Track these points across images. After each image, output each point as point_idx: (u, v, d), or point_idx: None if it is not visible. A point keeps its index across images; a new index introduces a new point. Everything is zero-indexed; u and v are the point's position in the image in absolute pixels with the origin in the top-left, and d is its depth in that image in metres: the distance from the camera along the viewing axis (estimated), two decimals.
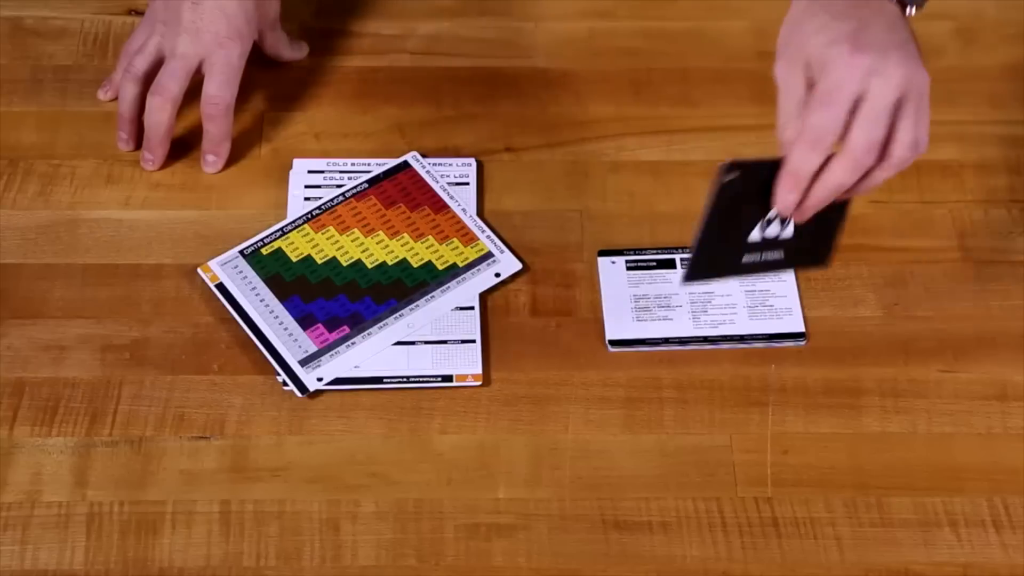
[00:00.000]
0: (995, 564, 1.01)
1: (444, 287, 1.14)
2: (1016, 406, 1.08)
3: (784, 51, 1.00)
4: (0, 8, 1.32)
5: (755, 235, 1.04)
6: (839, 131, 0.97)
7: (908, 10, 1.02)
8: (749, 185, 1.01)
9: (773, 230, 1.04)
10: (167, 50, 1.20)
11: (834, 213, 1.04)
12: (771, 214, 1.02)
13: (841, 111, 0.97)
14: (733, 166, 1.00)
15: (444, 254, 1.16)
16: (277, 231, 1.17)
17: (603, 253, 1.16)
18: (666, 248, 1.16)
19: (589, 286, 1.14)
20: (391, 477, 1.05)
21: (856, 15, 0.99)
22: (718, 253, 1.04)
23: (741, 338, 1.11)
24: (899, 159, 0.98)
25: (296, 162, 1.22)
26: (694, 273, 1.05)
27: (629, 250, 1.16)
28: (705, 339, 1.11)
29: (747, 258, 1.05)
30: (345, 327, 1.12)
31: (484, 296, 1.14)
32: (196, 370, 1.10)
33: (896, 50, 0.98)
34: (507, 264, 1.16)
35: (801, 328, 1.12)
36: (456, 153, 1.23)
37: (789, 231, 1.04)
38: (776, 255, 1.05)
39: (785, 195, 0.99)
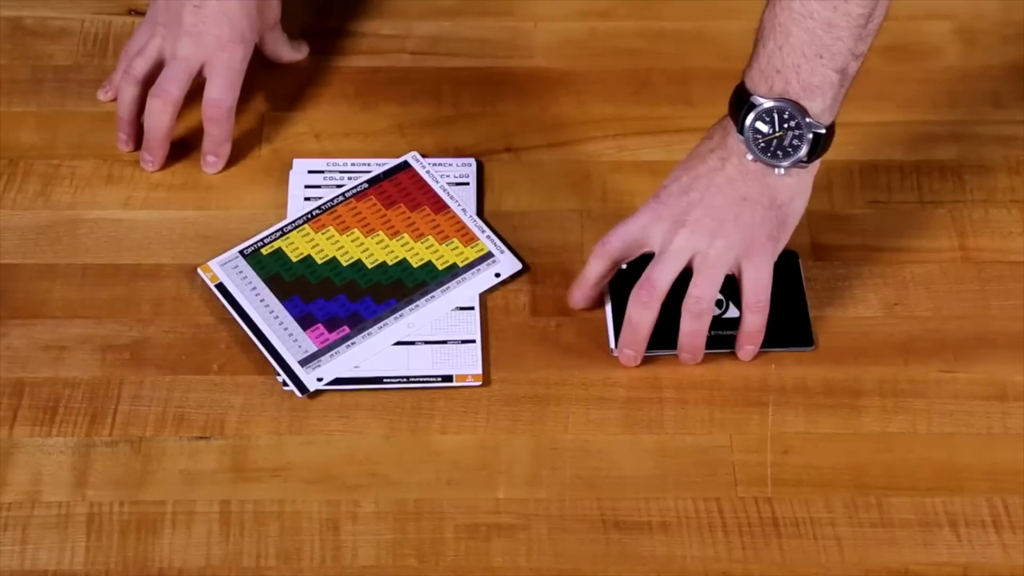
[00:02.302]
0: (995, 564, 1.01)
1: (444, 287, 1.14)
2: (1016, 406, 1.08)
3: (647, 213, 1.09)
4: (0, 8, 1.32)
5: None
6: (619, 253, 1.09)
7: (776, 170, 1.05)
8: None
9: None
10: (168, 52, 1.20)
11: (788, 296, 1.12)
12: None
13: (627, 240, 1.09)
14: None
15: (444, 254, 1.16)
16: (277, 231, 1.17)
17: None
18: None
19: None
20: (391, 477, 1.05)
21: (702, 186, 1.06)
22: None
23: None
24: (695, 309, 1.07)
25: (296, 162, 1.22)
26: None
27: None
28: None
29: None
30: (345, 327, 1.12)
31: (484, 296, 1.14)
32: (196, 370, 1.10)
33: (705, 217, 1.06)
34: (507, 264, 1.16)
35: (811, 333, 1.12)
36: (456, 153, 1.23)
37: (733, 312, 1.10)
38: (731, 333, 1.10)
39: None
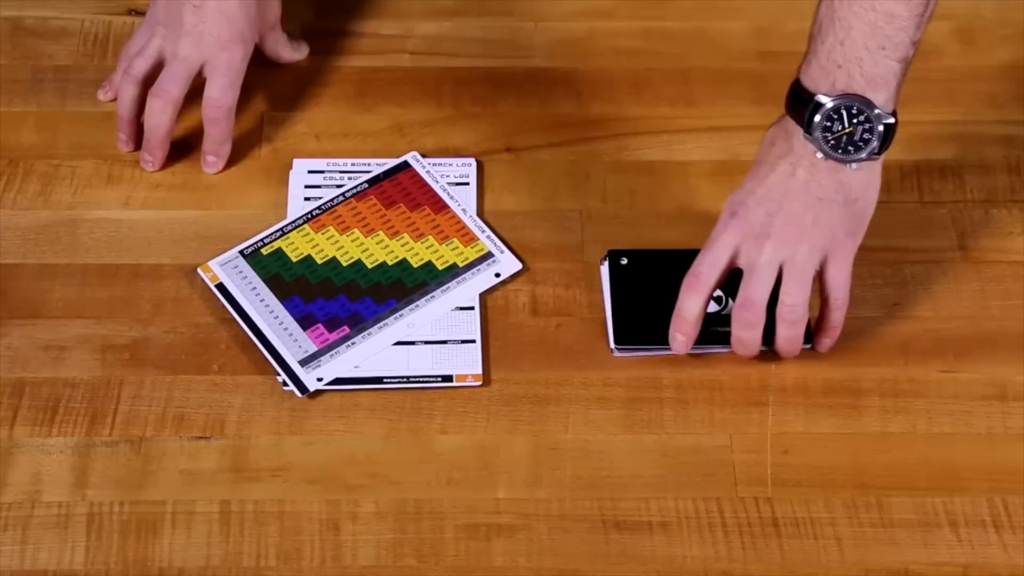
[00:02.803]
0: (995, 564, 1.01)
1: (444, 287, 1.14)
2: (1016, 406, 1.08)
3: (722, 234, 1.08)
4: (0, 8, 1.32)
5: None
6: (715, 280, 1.07)
7: (849, 166, 1.05)
8: (643, 269, 1.12)
9: (710, 307, 1.09)
10: (168, 53, 1.20)
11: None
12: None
13: (718, 265, 1.07)
14: (619, 253, 1.13)
15: (444, 254, 1.16)
16: (277, 231, 1.17)
17: (611, 254, 1.15)
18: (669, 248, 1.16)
19: (589, 286, 1.14)
20: (391, 477, 1.05)
21: (767, 183, 1.06)
22: (643, 324, 1.11)
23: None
24: (789, 315, 1.07)
25: (296, 162, 1.22)
26: (623, 339, 1.11)
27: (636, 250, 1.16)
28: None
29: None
30: (345, 327, 1.12)
31: (484, 296, 1.14)
32: (196, 370, 1.10)
33: (776, 221, 1.05)
34: (507, 264, 1.16)
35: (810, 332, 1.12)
36: (456, 153, 1.23)
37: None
38: (730, 330, 1.09)
39: (674, 335, 1.09)
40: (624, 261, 1.13)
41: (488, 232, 1.17)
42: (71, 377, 1.09)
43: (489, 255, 1.16)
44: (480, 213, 1.19)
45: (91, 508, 1.03)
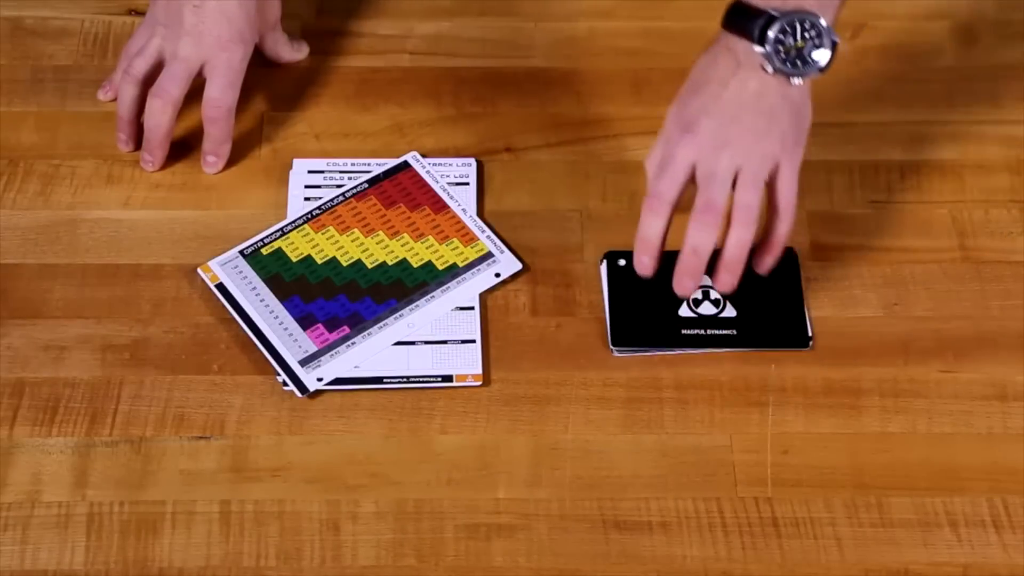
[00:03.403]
0: (995, 564, 1.01)
1: (444, 287, 1.14)
2: (1016, 406, 1.08)
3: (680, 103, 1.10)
4: (0, 8, 1.32)
5: (686, 311, 1.12)
6: (675, 196, 1.08)
7: (793, 80, 1.07)
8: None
9: (707, 309, 1.11)
10: (168, 52, 1.20)
11: (785, 295, 1.13)
12: (697, 294, 1.12)
13: (677, 180, 1.08)
14: (618, 255, 1.14)
15: (444, 254, 1.16)
16: (277, 231, 1.17)
17: (609, 255, 1.15)
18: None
19: (589, 286, 1.14)
20: (391, 477, 1.05)
21: (717, 95, 1.07)
22: (642, 324, 1.11)
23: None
24: (744, 218, 1.07)
25: (296, 162, 1.22)
26: (621, 340, 1.11)
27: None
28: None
29: (687, 331, 1.11)
30: (345, 327, 1.12)
31: (484, 296, 1.14)
32: (196, 370, 1.10)
33: (733, 127, 1.07)
34: (507, 264, 1.16)
35: (808, 333, 1.12)
36: (456, 153, 1.23)
37: (730, 311, 1.11)
38: (728, 333, 1.11)
39: (638, 257, 1.10)
40: (622, 262, 1.13)
41: (488, 232, 1.17)
42: (71, 377, 1.09)
43: (489, 255, 1.16)
44: (480, 213, 1.19)
45: (91, 508, 1.03)
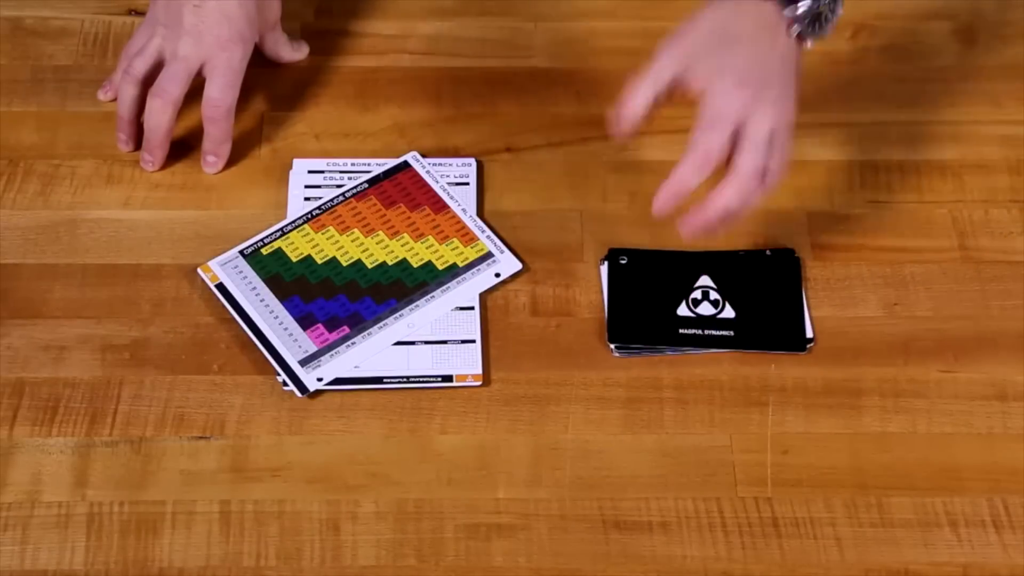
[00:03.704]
0: (995, 564, 1.01)
1: (444, 287, 1.14)
2: (1016, 406, 1.08)
3: (673, 47, 1.08)
4: (0, 8, 1.32)
5: (684, 311, 1.12)
6: (724, 155, 1.06)
7: (807, 43, 1.09)
8: (642, 268, 1.13)
9: (705, 309, 1.11)
10: (168, 52, 1.20)
11: (785, 298, 1.13)
12: (696, 294, 1.12)
13: (724, 136, 1.05)
14: (619, 252, 1.14)
15: (444, 254, 1.16)
16: (277, 231, 1.17)
17: (611, 253, 1.15)
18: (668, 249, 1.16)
19: (589, 286, 1.14)
20: (391, 477, 1.05)
21: (751, 50, 1.07)
22: (642, 324, 1.11)
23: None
24: (772, 183, 1.06)
25: (296, 162, 1.22)
26: (620, 338, 1.11)
27: (635, 250, 1.16)
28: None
29: (684, 331, 1.11)
30: (345, 327, 1.12)
31: (484, 296, 1.14)
32: (196, 370, 1.10)
33: (775, 87, 1.06)
34: (507, 264, 1.16)
35: (809, 334, 1.12)
36: (456, 153, 1.23)
37: (729, 312, 1.11)
38: (725, 334, 1.11)
39: (662, 203, 1.06)
40: (624, 260, 1.13)
41: (488, 232, 1.17)
42: (71, 377, 1.09)
43: (489, 255, 1.16)
44: (480, 213, 1.19)
45: (91, 508, 1.03)
